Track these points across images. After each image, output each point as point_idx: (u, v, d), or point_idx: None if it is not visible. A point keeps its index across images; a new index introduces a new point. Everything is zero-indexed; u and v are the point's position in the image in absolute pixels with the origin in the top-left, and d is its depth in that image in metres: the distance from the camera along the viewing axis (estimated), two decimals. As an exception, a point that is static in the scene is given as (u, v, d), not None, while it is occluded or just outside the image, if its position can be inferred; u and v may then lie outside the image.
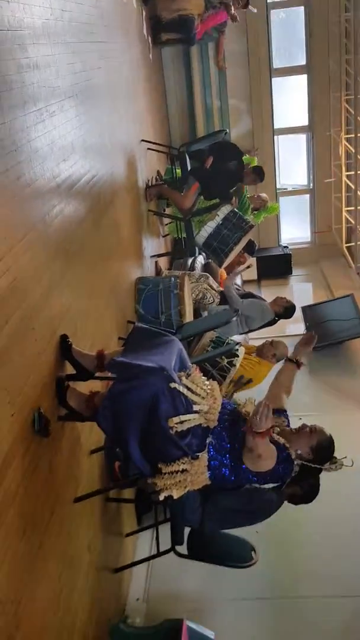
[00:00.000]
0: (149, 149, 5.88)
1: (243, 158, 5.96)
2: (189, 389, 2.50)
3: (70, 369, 2.75)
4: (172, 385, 2.42)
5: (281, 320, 5.44)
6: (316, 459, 2.58)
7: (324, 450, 2.59)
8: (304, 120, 8.68)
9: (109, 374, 2.75)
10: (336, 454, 2.62)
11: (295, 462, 2.56)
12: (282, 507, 2.97)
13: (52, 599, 2.35)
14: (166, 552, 3.33)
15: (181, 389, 2.45)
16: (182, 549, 3.28)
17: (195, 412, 2.48)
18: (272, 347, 4.59)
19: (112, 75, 4.46)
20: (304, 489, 2.74)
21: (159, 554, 3.40)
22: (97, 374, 2.83)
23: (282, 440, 2.58)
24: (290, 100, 8.64)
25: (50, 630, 2.29)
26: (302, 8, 8.12)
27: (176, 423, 2.41)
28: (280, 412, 2.79)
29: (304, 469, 2.58)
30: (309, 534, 3.95)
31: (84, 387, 2.79)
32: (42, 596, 2.24)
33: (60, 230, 2.82)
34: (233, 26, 7.27)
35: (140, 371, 2.41)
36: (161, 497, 2.49)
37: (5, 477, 2.00)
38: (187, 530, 3.27)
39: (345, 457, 2.58)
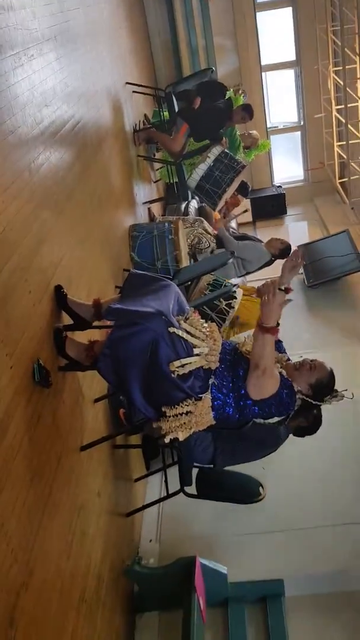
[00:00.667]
0: (134, 91, 5.71)
1: (228, 95, 5.80)
2: (188, 332, 2.49)
3: (67, 320, 2.74)
4: (171, 329, 2.41)
5: (279, 261, 5.39)
6: (315, 396, 2.58)
7: (323, 387, 2.59)
8: (291, 55, 8.43)
9: (107, 323, 2.74)
10: (337, 387, 2.63)
11: (298, 396, 2.56)
12: (287, 442, 3.01)
13: (65, 545, 2.40)
14: (175, 493, 3.39)
15: (180, 333, 2.44)
16: (191, 489, 3.34)
17: (196, 354, 2.48)
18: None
19: (91, 16, 4.29)
20: (309, 419, 2.77)
21: (169, 495, 3.47)
22: (94, 323, 2.81)
23: (284, 373, 2.58)
24: (277, 36, 8.37)
25: (64, 575, 2.35)
26: None
27: (177, 367, 2.41)
28: (277, 343, 2.76)
29: (306, 403, 2.59)
30: (313, 467, 4.02)
31: (83, 336, 2.78)
32: (54, 543, 2.28)
33: (48, 178, 2.76)
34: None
35: (139, 317, 2.40)
36: (167, 440, 2.51)
37: (9, 428, 2.01)
38: (195, 471, 3.32)
39: (346, 390, 2.59)
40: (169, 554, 3.47)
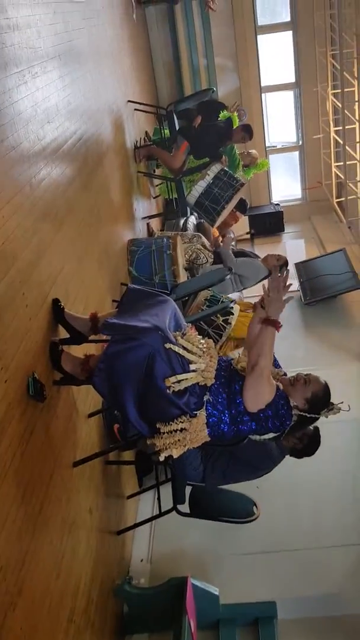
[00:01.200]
0: (136, 109, 5.77)
1: (221, 114, 5.86)
2: (184, 348, 2.49)
3: (63, 333, 2.73)
4: (167, 345, 2.41)
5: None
6: (312, 410, 2.57)
7: (319, 401, 2.58)
8: (290, 77, 8.53)
9: (103, 337, 2.74)
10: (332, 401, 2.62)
11: (293, 412, 2.55)
12: (283, 462, 3.00)
13: (54, 564, 2.37)
14: (168, 511, 3.36)
15: (177, 349, 2.44)
16: (184, 507, 3.31)
17: (192, 370, 2.47)
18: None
19: (95, 36, 4.34)
20: (303, 441, 2.75)
21: (161, 514, 3.43)
22: (91, 337, 2.81)
23: (280, 386, 2.57)
24: (277, 58, 8.48)
25: (53, 594, 2.31)
26: None
27: (173, 382, 2.40)
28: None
29: (302, 419, 2.58)
30: (308, 488, 4.00)
31: (79, 350, 2.77)
32: (44, 561, 2.25)
33: (48, 193, 2.77)
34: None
35: (135, 332, 2.40)
36: (161, 458, 2.49)
37: (1, 442, 1.99)
38: (188, 489, 3.30)
39: (342, 402, 2.58)
40: (160, 573, 3.43)
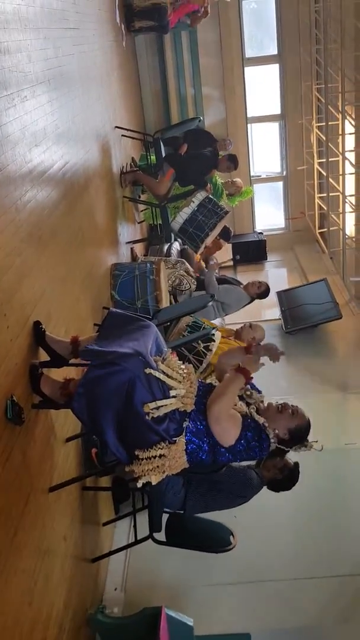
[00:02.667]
0: (123, 135, 5.83)
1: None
2: (165, 373, 2.48)
3: (44, 356, 2.71)
4: (147, 371, 2.40)
5: (258, 306, 5.49)
6: (290, 441, 2.58)
7: (300, 435, 2.59)
8: (276, 109, 8.70)
9: (84, 360, 2.72)
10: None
11: (273, 440, 2.54)
12: (261, 492, 2.99)
13: (27, 591, 2.32)
14: (144, 539, 3.32)
15: (157, 374, 2.43)
16: (160, 536, 3.27)
17: (172, 396, 2.46)
18: (251, 331, 4.62)
19: (85, 62, 4.39)
20: (284, 472, 2.75)
21: (137, 541, 3.39)
22: (71, 361, 2.79)
23: (261, 420, 2.56)
24: (263, 89, 8.66)
25: (25, 623, 2.26)
26: (272, -2, 8.12)
27: (152, 408, 2.39)
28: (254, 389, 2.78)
29: (277, 449, 2.58)
30: (285, 518, 3.99)
31: (59, 374, 2.75)
32: (16, 588, 2.20)
33: (33, 215, 2.77)
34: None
35: (116, 357, 2.39)
36: (139, 484, 2.47)
37: (-22, 465, 1.96)
38: (165, 517, 3.27)
39: (317, 441, 2.59)
40: (135, 603, 3.38)
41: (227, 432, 2.49)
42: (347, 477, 4.38)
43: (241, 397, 2.67)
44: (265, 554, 3.74)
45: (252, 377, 2.58)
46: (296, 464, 2.91)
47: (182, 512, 3.20)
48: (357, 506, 4.10)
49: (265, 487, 3.04)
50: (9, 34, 2.66)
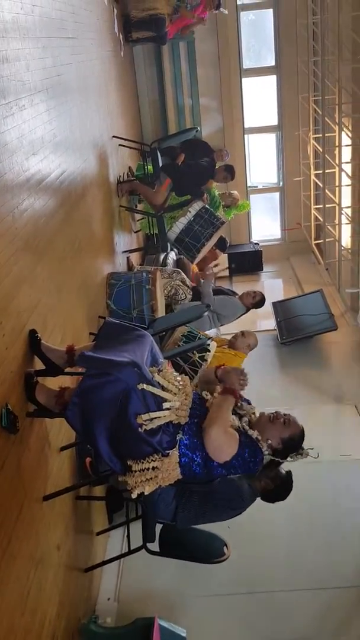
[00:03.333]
0: (120, 145, 5.85)
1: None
2: (160, 385, 2.48)
3: (39, 365, 2.71)
4: (140, 386, 2.39)
5: (253, 316, 5.50)
6: (284, 451, 2.58)
7: (293, 444, 2.59)
8: (273, 120, 8.76)
9: (79, 370, 2.72)
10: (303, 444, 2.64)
11: (266, 452, 2.54)
12: (255, 503, 2.98)
13: (19, 600, 2.31)
14: (137, 549, 3.30)
15: (151, 389, 2.43)
16: (154, 546, 3.26)
17: (167, 409, 2.46)
18: (245, 338, 4.62)
19: (83, 72, 4.42)
20: (275, 482, 2.74)
21: (130, 551, 3.37)
22: (66, 370, 2.79)
23: (254, 435, 2.56)
24: (260, 100, 8.71)
25: (17, 632, 2.24)
26: (271, 10, 8.20)
27: (145, 420, 2.39)
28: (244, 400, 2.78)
29: (271, 461, 2.58)
30: (279, 529, 3.97)
31: (54, 382, 2.75)
32: (8, 597, 2.19)
33: (30, 224, 2.78)
34: (204, 27, 7.31)
35: (111, 366, 2.39)
36: (134, 495, 2.46)
37: (-28, 474, 1.95)
38: (158, 527, 3.25)
39: (312, 449, 2.59)
40: (127, 613, 3.36)
41: (223, 451, 2.48)
42: (342, 489, 4.38)
43: (233, 411, 2.67)
44: (259, 565, 3.73)
45: (240, 395, 2.62)
46: (289, 473, 2.90)
47: (173, 523, 3.18)
48: (351, 518, 4.10)
49: (259, 499, 3.03)
50: (7, 43, 2.67)
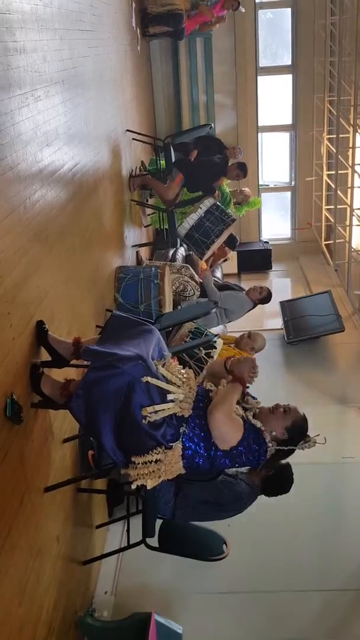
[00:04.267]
0: (134, 139, 5.84)
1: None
2: (164, 377, 2.48)
3: (45, 356, 2.71)
4: (145, 379, 2.39)
5: (260, 315, 5.49)
6: (290, 440, 2.57)
7: (298, 430, 2.58)
8: (287, 119, 8.73)
9: (84, 362, 2.72)
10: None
11: (270, 444, 2.54)
12: (255, 502, 2.97)
13: (17, 590, 2.31)
14: (137, 544, 3.30)
15: (155, 382, 2.42)
16: (153, 541, 3.26)
17: (170, 401, 2.46)
18: (250, 340, 4.60)
19: (99, 65, 4.41)
20: (275, 469, 2.72)
21: (130, 546, 3.38)
22: (72, 362, 2.79)
23: (258, 424, 2.56)
24: (275, 99, 8.68)
25: (13, 622, 2.25)
26: (289, 10, 8.16)
27: (150, 412, 2.39)
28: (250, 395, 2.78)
29: (279, 451, 2.57)
30: (280, 529, 3.97)
31: (59, 374, 2.75)
32: (6, 587, 2.20)
33: (41, 215, 2.77)
34: (221, 24, 7.28)
35: (116, 359, 2.38)
36: (134, 486, 2.47)
37: (-25, 463, 1.96)
38: (158, 523, 3.25)
39: (318, 435, 2.58)
40: (124, 607, 3.37)
41: (228, 435, 2.48)
42: (344, 491, 4.37)
43: (238, 402, 2.67)
44: (258, 564, 3.73)
45: (248, 386, 2.61)
46: (287, 464, 2.89)
47: (172, 519, 3.18)
48: (352, 521, 4.09)
49: (262, 495, 3.02)
50: (25, 34, 2.67)
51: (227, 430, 2.47)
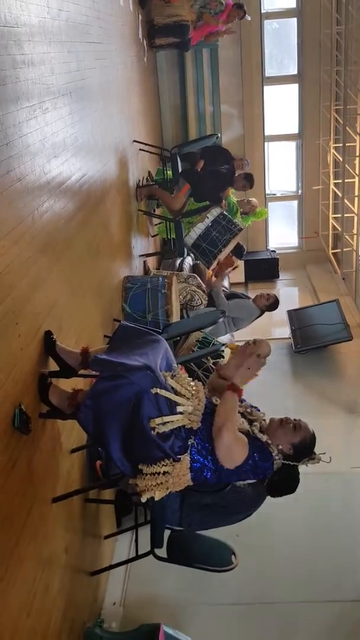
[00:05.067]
0: (140, 149, 5.87)
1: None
2: (173, 389, 2.48)
3: (53, 366, 2.72)
4: (154, 390, 2.39)
5: (267, 324, 5.49)
6: (295, 456, 2.55)
7: (304, 449, 2.56)
8: (294, 128, 8.75)
9: (93, 372, 2.72)
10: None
11: (277, 457, 2.52)
12: (264, 511, 2.95)
13: (26, 601, 2.31)
14: (145, 555, 3.29)
15: (164, 393, 2.42)
16: (162, 552, 3.25)
17: (179, 413, 2.46)
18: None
19: (106, 76, 4.44)
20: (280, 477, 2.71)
21: (138, 557, 3.36)
22: (80, 372, 2.79)
23: (264, 438, 2.55)
24: (282, 108, 8.71)
25: (22, 634, 2.24)
26: (295, 19, 8.20)
27: (158, 424, 2.38)
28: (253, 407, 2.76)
29: (283, 465, 2.55)
30: (288, 540, 3.94)
31: (67, 384, 2.76)
32: (15, 598, 2.19)
33: (49, 226, 2.79)
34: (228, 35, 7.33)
35: (124, 369, 2.39)
36: (144, 499, 2.46)
37: (-16, 473, 1.96)
38: (167, 533, 3.24)
39: (324, 453, 2.56)
40: (133, 618, 3.35)
41: (234, 457, 2.47)
42: (353, 502, 4.34)
43: (242, 415, 2.66)
44: (267, 575, 3.70)
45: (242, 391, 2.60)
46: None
47: (181, 529, 3.17)
48: (361, 531, 4.06)
49: (269, 509, 3.00)
50: (33, 47, 2.69)
51: (232, 453, 2.46)
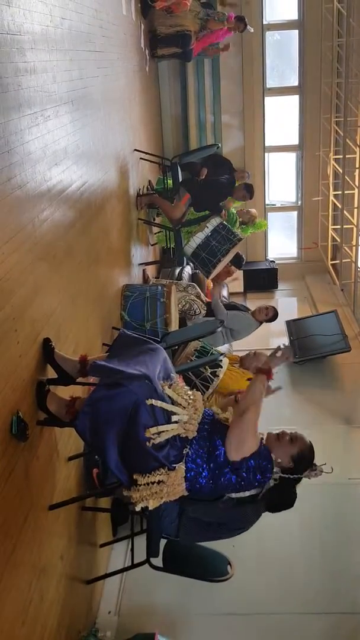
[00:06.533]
0: (141, 158, 5.90)
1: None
2: (170, 398, 2.48)
3: (51, 373, 2.72)
4: (149, 402, 2.39)
5: (266, 334, 5.49)
6: (296, 469, 2.55)
7: (304, 460, 2.56)
8: (294, 140, 8.80)
9: (91, 380, 2.73)
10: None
11: (275, 471, 2.52)
12: (260, 522, 2.94)
13: (21, 609, 2.30)
14: (141, 564, 3.28)
15: (160, 404, 2.42)
16: (157, 561, 3.24)
17: (175, 422, 2.45)
18: (255, 359, 4.59)
19: (108, 85, 4.47)
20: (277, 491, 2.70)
21: (133, 565, 3.35)
22: (78, 379, 2.79)
23: (264, 440, 2.55)
24: (282, 120, 8.76)
25: (17, 642, 2.24)
26: (296, 31, 8.26)
27: (153, 434, 2.38)
28: None
29: (285, 480, 2.55)
30: (285, 551, 3.93)
31: (65, 392, 2.76)
32: (10, 605, 2.18)
33: (49, 233, 2.80)
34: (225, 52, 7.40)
35: (123, 377, 2.39)
36: (138, 508, 2.45)
37: (-20, 480, 1.96)
38: (163, 542, 3.23)
39: (325, 464, 2.56)
40: (128, 627, 3.33)
41: (244, 443, 2.47)
42: (350, 513, 4.33)
43: None
44: (263, 585, 3.68)
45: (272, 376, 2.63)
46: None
47: (177, 539, 3.16)
48: (358, 543, 4.04)
49: (266, 519, 2.99)
50: (35, 55, 2.71)
51: (248, 438, 2.46)
